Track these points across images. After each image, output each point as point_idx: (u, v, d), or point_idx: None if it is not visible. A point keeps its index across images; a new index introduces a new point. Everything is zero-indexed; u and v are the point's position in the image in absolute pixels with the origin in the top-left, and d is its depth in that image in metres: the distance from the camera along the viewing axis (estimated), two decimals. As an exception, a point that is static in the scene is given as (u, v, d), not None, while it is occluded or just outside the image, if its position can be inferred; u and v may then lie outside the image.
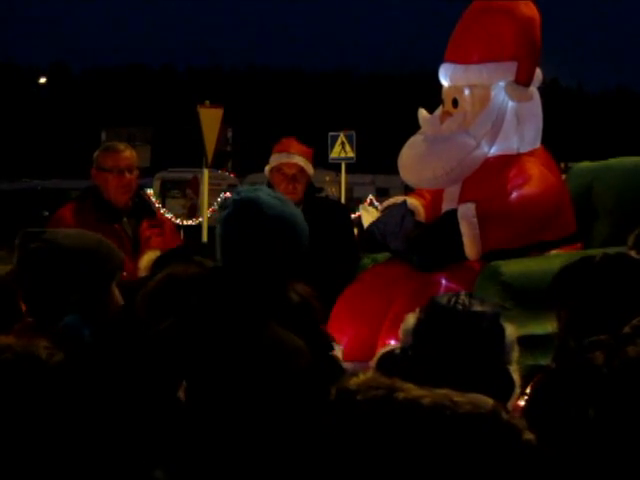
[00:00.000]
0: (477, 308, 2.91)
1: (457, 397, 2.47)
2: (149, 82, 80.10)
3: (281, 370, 2.86)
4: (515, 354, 2.93)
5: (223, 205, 3.14)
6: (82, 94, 75.04)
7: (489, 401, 2.51)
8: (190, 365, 2.89)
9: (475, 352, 2.82)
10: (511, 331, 2.93)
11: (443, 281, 5.53)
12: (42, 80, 73.93)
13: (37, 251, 3.06)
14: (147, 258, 4.98)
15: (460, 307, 2.90)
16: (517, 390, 2.81)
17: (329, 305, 5.53)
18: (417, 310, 2.99)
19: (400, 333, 3.00)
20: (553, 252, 5.69)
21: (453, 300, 2.93)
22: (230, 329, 2.92)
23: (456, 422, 2.43)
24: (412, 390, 2.51)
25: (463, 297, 2.94)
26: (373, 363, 2.97)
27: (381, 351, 3.03)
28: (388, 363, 2.88)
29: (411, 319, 2.98)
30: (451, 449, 2.44)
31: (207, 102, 14.73)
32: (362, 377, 2.64)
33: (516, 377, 2.83)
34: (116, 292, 3.21)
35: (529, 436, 2.43)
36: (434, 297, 3.01)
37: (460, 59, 5.98)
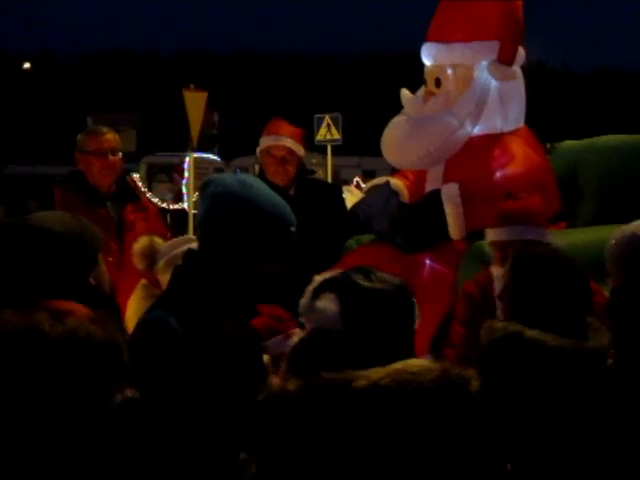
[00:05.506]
0: (385, 279, 2.75)
1: (411, 368, 2.53)
2: (135, 67, 79.79)
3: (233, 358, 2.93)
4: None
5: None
6: (67, 79, 74.72)
7: (432, 362, 2.59)
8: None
9: (390, 325, 2.70)
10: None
11: (427, 261, 5.53)
12: (26, 65, 73.55)
13: (20, 235, 3.03)
14: (140, 244, 4.96)
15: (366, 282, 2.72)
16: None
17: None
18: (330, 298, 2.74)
19: (314, 321, 2.76)
20: (538, 231, 5.68)
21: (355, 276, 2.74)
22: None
23: (422, 391, 2.51)
24: (369, 374, 2.51)
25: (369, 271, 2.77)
26: (284, 366, 2.78)
27: (288, 352, 2.84)
28: (309, 357, 2.73)
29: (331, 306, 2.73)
30: (422, 416, 2.51)
31: (192, 86, 14.65)
32: (297, 380, 2.54)
33: None
34: (104, 276, 3.18)
35: (475, 384, 2.55)
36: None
37: (443, 38, 5.96)
